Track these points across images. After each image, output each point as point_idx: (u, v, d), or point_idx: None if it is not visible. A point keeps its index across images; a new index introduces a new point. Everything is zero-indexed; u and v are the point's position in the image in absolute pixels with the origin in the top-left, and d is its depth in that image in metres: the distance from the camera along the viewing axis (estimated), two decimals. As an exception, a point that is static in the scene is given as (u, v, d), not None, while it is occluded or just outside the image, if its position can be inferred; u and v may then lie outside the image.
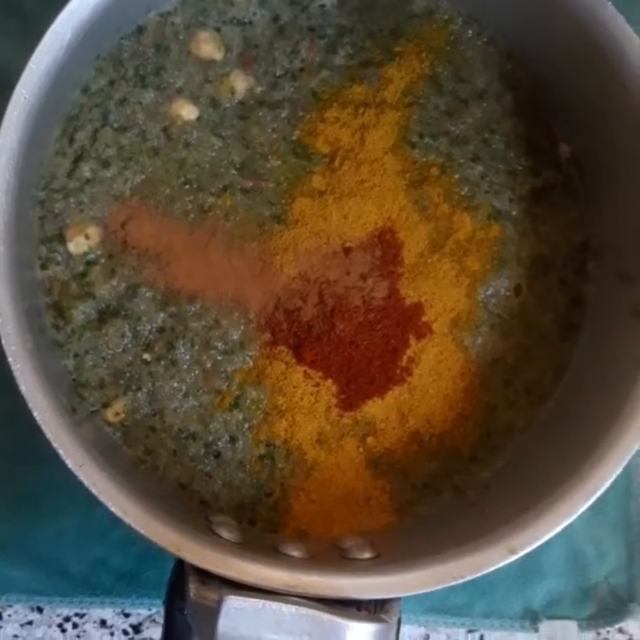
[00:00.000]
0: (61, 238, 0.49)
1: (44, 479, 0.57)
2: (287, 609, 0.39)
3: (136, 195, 0.50)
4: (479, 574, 0.43)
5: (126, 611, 0.59)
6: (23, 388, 0.41)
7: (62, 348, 0.49)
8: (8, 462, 0.57)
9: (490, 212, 0.53)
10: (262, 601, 0.39)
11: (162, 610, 0.58)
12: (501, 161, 0.54)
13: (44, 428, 0.41)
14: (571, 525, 0.44)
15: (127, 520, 0.41)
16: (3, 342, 0.41)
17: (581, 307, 0.54)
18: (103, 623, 0.59)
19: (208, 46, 0.50)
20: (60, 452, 0.41)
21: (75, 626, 0.59)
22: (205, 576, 0.41)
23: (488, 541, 0.44)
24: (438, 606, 0.60)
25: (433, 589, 0.43)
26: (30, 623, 0.59)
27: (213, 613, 0.39)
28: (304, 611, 0.39)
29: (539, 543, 0.44)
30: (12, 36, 0.56)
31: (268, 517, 0.51)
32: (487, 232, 0.53)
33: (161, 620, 0.58)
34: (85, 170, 0.49)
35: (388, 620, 0.41)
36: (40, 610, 0.59)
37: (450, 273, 0.53)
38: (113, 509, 0.41)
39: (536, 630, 0.61)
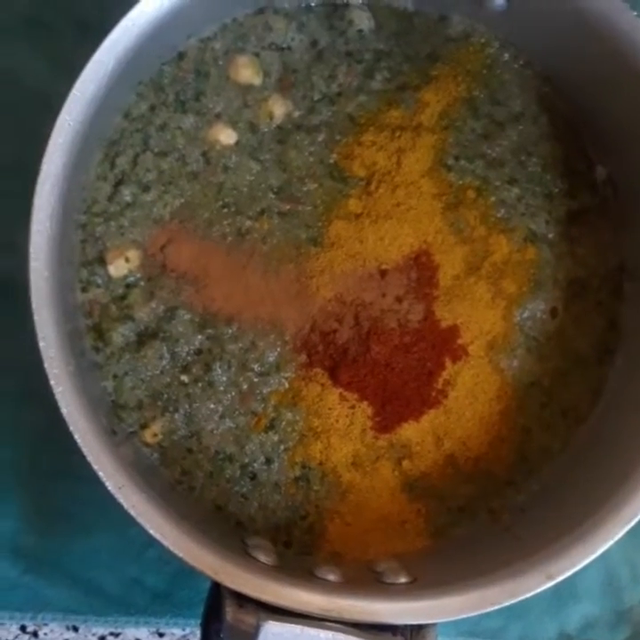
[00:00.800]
0: (102, 261, 0.50)
1: (80, 497, 0.57)
2: (325, 635, 0.39)
3: (175, 218, 0.51)
4: (516, 600, 0.43)
5: (161, 630, 0.59)
6: (65, 411, 0.42)
7: (102, 369, 0.49)
8: (44, 480, 0.58)
9: (526, 235, 0.53)
10: (300, 626, 0.39)
11: (196, 630, 0.58)
12: (538, 183, 0.54)
13: (84, 450, 0.42)
14: (606, 549, 0.44)
15: (165, 543, 0.42)
16: (46, 365, 0.42)
17: (617, 329, 0.54)
18: (137, 642, 0.60)
19: (247, 71, 0.51)
20: (100, 474, 0.42)
21: (110, 644, 0.59)
22: (242, 599, 0.42)
23: (525, 567, 0.44)
24: (471, 630, 0.60)
25: (469, 615, 0.43)
26: (66, 641, 0.59)
27: (251, 638, 0.39)
28: (342, 637, 0.39)
29: (576, 569, 0.44)
30: (50, 60, 0.57)
31: (303, 540, 0.51)
32: (523, 254, 0.53)
33: (195, 640, 0.58)
34: (126, 194, 0.50)
35: (424, 647, 0.41)
36: (76, 629, 0.59)
37: (486, 295, 0.53)
38: (151, 532, 0.42)
39: (570, 654, 0.60)
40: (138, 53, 0.44)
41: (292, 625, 0.39)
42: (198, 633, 0.59)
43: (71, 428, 0.42)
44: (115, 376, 0.50)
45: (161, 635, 0.60)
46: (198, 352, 0.51)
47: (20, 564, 0.58)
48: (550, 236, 0.53)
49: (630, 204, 0.53)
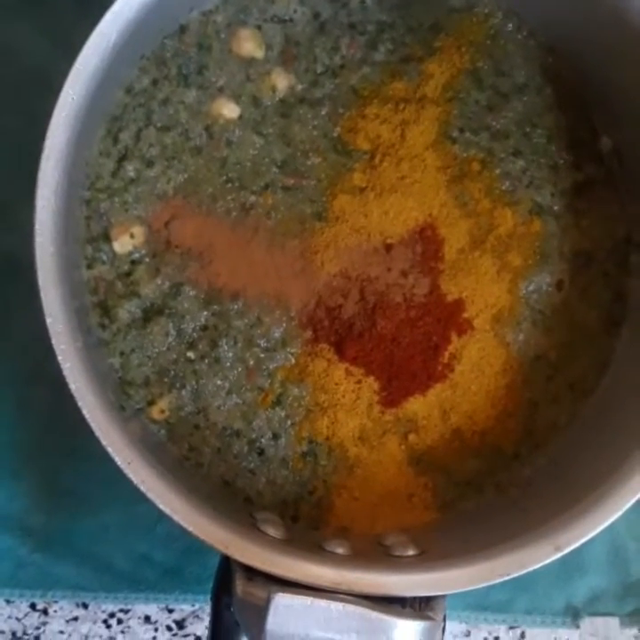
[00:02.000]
0: (107, 238, 0.49)
1: (88, 475, 0.57)
2: (335, 606, 0.39)
3: (179, 194, 0.50)
4: (524, 571, 0.43)
5: (170, 606, 0.60)
6: (73, 387, 0.42)
7: (108, 346, 0.49)
8: (52, 459, 0.58)
9: (531, 207, 0.53)
10: (310, 598, 0.39)
11: (205, 606, 0.59)
12: (543, 155, 0.53)
13: (93, 425, 0.42)
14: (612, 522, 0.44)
15: (176, 517, 0.42)
16: (53, 342, 0.41)
17: (624, 301, 0.53)
18: (147, 619, 0.60)
19: (249, 44, 0.50)
20: (109, 449, 0.42)
21: (119, 622, 0.60)
22: (252, 573, 0.42)
23: (533, 539, 0.44)
24: (479, 603, 0.60)
25: (478, 587, 0.43)
26: (75, 619, 0.60)
27: (262, 611, 0.39)
28: (352, 608, 0.39)
29: (584, 540, 0.44)
30: (50, 37, 0.57)
31: (310, 514, 0.51)
32: (528, 227, 0.53)
33: (204, 616, 0.59)
34: (129, 169, 0.49)
35: (434, 618, 0.41)
36: (85, 606, 0.60)
37: (491, 269, 0.52)
38: (161, 507, 0.42)
39: (577, 627, 0.61)
40: (140, 26, 0.44)
41: (303, 597, 0.39)
42: (207, 609, 0.59)
43: (80, 404, 0.42)
44: (121, 353, 0.50)
45: (170, 611, 0.60)
46: (204, 328, 0.50)
47: (30, 543, 0.58)
48: (556, 208, 0.53)
49: (636, 174, 0.53)
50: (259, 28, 0.51)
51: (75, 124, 0.43)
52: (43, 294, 0.42)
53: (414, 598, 0.43)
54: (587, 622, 0.61)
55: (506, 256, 0.52)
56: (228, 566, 0.43)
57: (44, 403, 0.57)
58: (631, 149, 0.53)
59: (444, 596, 0.43)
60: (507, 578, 0.43)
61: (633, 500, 0.44)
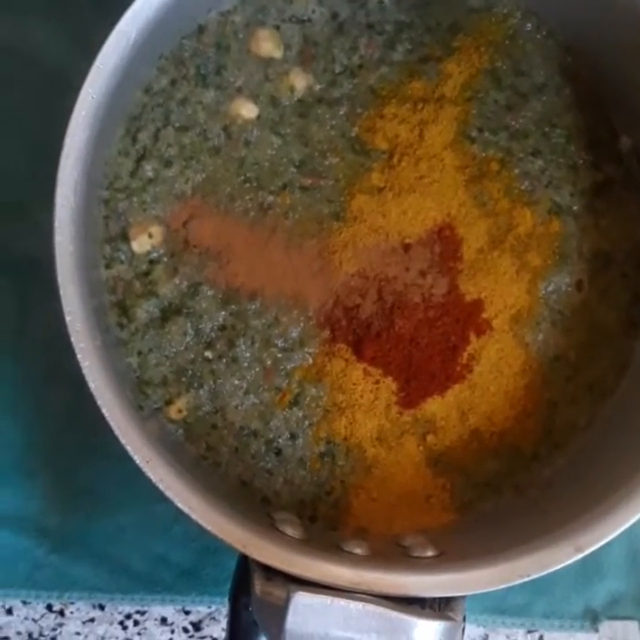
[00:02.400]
0: (125, 237, 0.49)
1: (105, 475, 0.57)
2: (355, 606, 0.39)
3: (197, 194, 0.50)
4: (545, 572, 0.43)
5: (187, 608, 0.60)
6: (92, 385, 0.42)
7: (126, 346, 0.49)
8: (69, 458, 0.58)
9: (550, 207, 0.53)
10: (330, 597, 0.39)
11: (222, 607, 0.59)
12: (562, 155, 0.53)
13: (112, 424, 0.41)
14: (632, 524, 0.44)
15: (194, 516, 0.42)
16: (72, 340, 0.42)
17: (644, 302, 0.53)
18: (164, 621, 0.60)
19: (268, 44, 0.50)
20: (128, 448, 0.42)
21: (136, 623, 0.60)
22: (270, 572, 0.42)
23: (553, 539, 0.43)
24: (497, 606, 0.60)
25: (498, 588, 0.42)
26: (92, 620, 0.60)
27: (281, 610, 0.39)
28: (372, 608, 0.39)
29: (605, 541, 0.43)
30: (68, 37, 0.57)
31: (328, 515, 0.51)
32: (548, 227, 0.53)
33: (221, 618, 0.58)
34: (148, 169, 0.50)
35: (454, 618, 0.41)
36: (102, 607, 0.59)
37: (510, 269, 0.52)
38: (180, 505, 0.42)
39: (596, 631, 0.60)
40: (159, 25, 0.44)
41: (322, 596, 0.38)
42: (224, 610, 0.59)
43: (99, 403, 0.42)
44: (139, 352, 0.49)
45: (187, 612, 0.60)
46: (222, 328, 0.50)
47: (46, 544, 0.58)
48: (575, 208, 0.53)
49: (656, 175, 0.53)
50: (277, 28, 0.51)
51: (94, 123, 0.43)
52: (62, 292, 0.42)
53: (434, 599, 0.42)
54: (606, 626, 0.60)
55: (525, 256, 0.52)
56: (246, 566, 0.43)
57: (61, 403, 0.57)
58: (651, 149, 0.53)
59: (463, 597, 0.43)
60: (527, 579, 0.43)
61: (655, 501, 0.44)
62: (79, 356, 0.41)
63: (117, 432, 0.42)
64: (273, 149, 0.51)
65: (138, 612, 0.60)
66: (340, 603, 0.39)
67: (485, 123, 0.53)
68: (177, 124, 0.50)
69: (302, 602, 0.38)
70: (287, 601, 0.38)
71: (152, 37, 0.45)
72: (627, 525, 0.44)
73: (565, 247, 0.53)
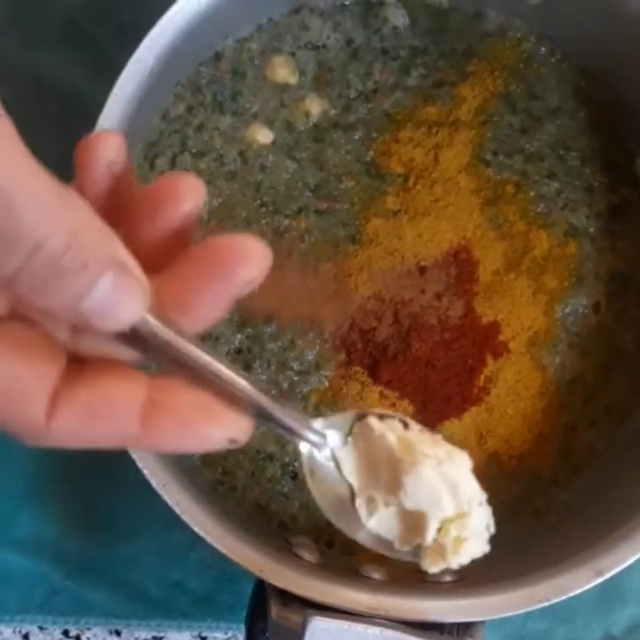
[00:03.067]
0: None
1: (122, 501, 0.57)
2: (372, 631, 0.38)
3: (214, 218, 0.51)
4: (565, 597, 0.42)
5: (203, 634, 0.59)
6: (108, 409, 0.42)
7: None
8: (86, 483, 0.58)
9: (566, 229, 0.53)
10: (347, 622, 0.38)
11: (239, 634, 0.58)
12: (577, 177, 0.53)
13: (129, 448, 0.41)
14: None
15: (210, 540, 0.41)
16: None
17: (662, 324, 0.53)
18: (180, 646, 0.59)
19: (283, 71, 0.51)
20: (145, 472, 0.42)
21: (152, 649, 0.59)
22: (287, 597, 0.41)
23: (573, 564, 0.43)
24: (517, 632, 0.59)
25: (518, 612, 0.42)
26: (108, 646, 0.59)
27: (297, 635, 0.38)
28: (390, 633, 0.38)
29: (626, 564, 0.43)
30: (84, 63, 0.58)
31: (345, 540, 0.50)
32: (564, 249, 0.52)
33: (237, 644, 0.58)
34: (164, 195, 0.50)
35: (473, 644, 0.40)
36: (118, 633, 0.59)
37: (526, 291, 0.52)
38: (196, 529, 0.41)
39: (617, 658, 0.59)
40: (176, 53, 0.44)
41: (340, 621, 0.38)
42: (241, 637, 0.59)
43: (115, 426, 0.42)
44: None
45: (203, 639, 0.59)
46: (238, 351, 0.50)
47: (62, 569, 0.58)
48: (591, 230, 0.53)
49: (672, 196, 0.53)
50: (292, 54, 0.52)
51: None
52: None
53: (453, 625, 0.42)
54: (626, 653, 0.59)
55: (541, 278, 0.52)
56: (262, 591, 0.43)
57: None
58: (666, 171, 0.53)
59: (483, 623, 0.42)
60: (547, 604, 0.42)
61: (676, 524, 0.43)
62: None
63: (134, 456, 0.42)
64: (288, 174, 0.52)
65: (154, 638, 0.59)
66: (358, 628, 0.38)
67: (500, 146, 0.53)
68: (194, 150, 0.51)
69: (319, 626, 0.38)
70: (304, 626, 0.38)
71: (169, 64, 0.45)
72: (647, 549, 0.43)
73: (582, 269, 0.53)
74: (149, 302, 0.25)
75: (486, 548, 0.35)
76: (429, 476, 0.32)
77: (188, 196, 0.27)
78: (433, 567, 0.34)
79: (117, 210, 0.27)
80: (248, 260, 0.27)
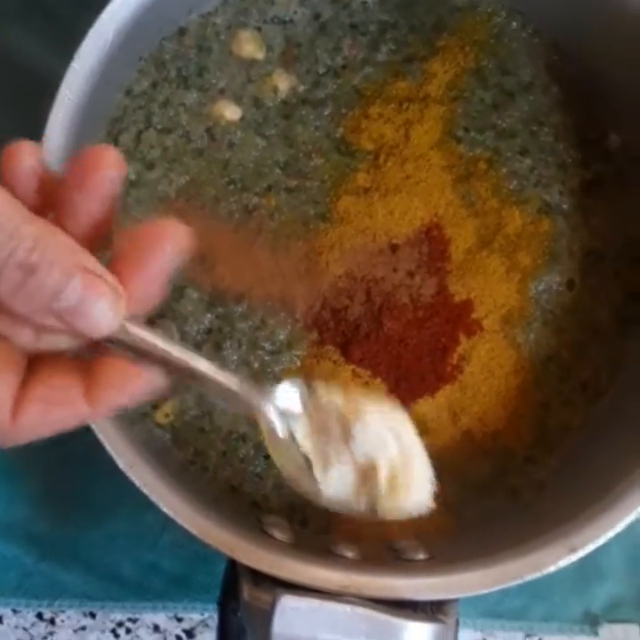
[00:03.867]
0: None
1: (95, 483, 0.56)
2: (343, 609, 0.38)
3: (181, 196, 0.50)
4: (538, 574, 0.42)
5: (179, 615, 0.59)
6: (73, 389, 0.41)
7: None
8: (59, 465, 0.57)
9: (540, 206, 0.52)
10: (318, 600, 0.38)
11: (214, 614, 0.58)
12: (550, 154, 0.53)
13: (94, 428, 0.41)
14: (630, 525, 0.43)
15: (179, 520, 0.41)
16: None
17: (636, 300, 0.52)
18: (156, 628, 0.59)
19: (250, 46, 0.50)
20: (112, 452, 0.41)
21: (128, 631, 0.59)
22: (258, 577, 0.41)
23: (547, 541, 0.43)
24: (494, 610, 0.59)
25: (492, 590, 0.42)
26: (83, 628, 0.59)
27: (268, 614, 0.38)
28: (360, 610, 0.38)
29: (600, 541, 0.43)
30: (49, 41, 0.57)
31: (319, 519, 0.50)
32: (537, 226, 0.52)
33: (214, 625, 0.57)
34: (130, 172, 0.49)
35: (445, 621, 0.40)
36: (93, 615, 0.59)
37: (499, 269, 0.52)
38: (164, 509, 0.41)
39: (596, 634, 0.59)
40: (137, 26, 0.44)
41: (310, 599, 0.38)
42: (217, 617, 0.58)
43: (81, 407, 0.41)
44: (125, 357, 0.49)
45: (179, 619, 0.59)
46: (208, 331, 0.50)
47: (36, 551, 0.58)
48: (564, 206, 0.52)
49: (645, 171, 0.52)
50: (259, 29, 0.51)
51: (72, 126, 0.42)
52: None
53: (426, 602, 0.42)
54: (605, 630, 0.59)
55: (514, 256, 0.52)
56: (234, 571, 0.43)
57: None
58: (639, 146, 0.52)
59: (456, 600, 0.42)
60: (520, 581, 0.42)
61: (649, 501, 0.43)
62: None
63: (100, 436, 0.41)
64: (257, 151, 0.51)
65: (130, 619, 0.59)
66: (328, 606, 0.38)
67: (472, 122, 0.52)
68: (159, 127, 0.50)
69: (289, 605, 0.38)
70: (273, 604, 0.38)
71: (131, 39, 0.44)
72: (621, 526, 0.43)
73: (555, 246, 0.52)
74: (126, 309, 0.29)
75: (431, 504, 0.37)
76: (374, 423, 0.35)
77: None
78: (388, 515, 0.36)
79: (46, 205, 0.31)
80: (173, 234, 0.32)
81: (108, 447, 0.41)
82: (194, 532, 0.41)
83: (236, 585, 0.41)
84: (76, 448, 0.55)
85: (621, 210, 0.53)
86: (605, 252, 0.53)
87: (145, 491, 0.41)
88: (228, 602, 0.44)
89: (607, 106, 0.53)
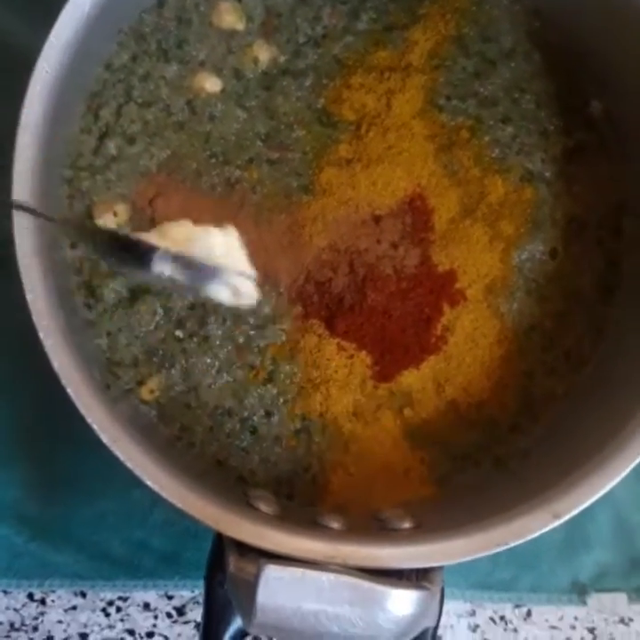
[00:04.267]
0: (90, 217, 0.49)
1: (83, 462, 0.57)
2: (327, 577, 0.38)
3: (162, 170, 0.50)
4: (523, 540, 0.42)
5: (169, 593, 0.59)
6: (56, 364, 0.41)
7: (95, 327, 0.49)
8: (46, 446, 0.57)
9: (522, 174, 0.52)
10: (301, 569, 0.38)
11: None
12: (532, 121, 0.52)
13: (77, 403, 0.41)
14: (616, 495, 0.43)
15: (164, 494, 0.41)
16: (34, 318, 0.41)
17: (618, 268, 0.53)
18: (147, 606, 0.59)
19: (229, 17, 0.50)
20: (94, 427, 0.41)
21: (118, 610, 0.59)
22: (244, 549, 0.41)
23: (531, 507, 0.43)
24: (483, 581, 0.59)
25: (475, 556, 0.42)
26: (74, 608, 0.59)
27: (252, 584, 0.38)
28: (344, 578, 0.38)
29: (583, 506, 0.43)
30: (36, 19, 0.56)
31: (306, 492, 0.50)
32: (520, 195, 0.52)
33: (204, 601, 0.58)
34: (111, 147, 0.49)
35: (429, 588, 0.40)
36: (83, 594, 0.59)
37: (483, 238, 0.51)
38: (149, 483, 0.41)
39: (584, 603, 0.60)
40: (115, -2, 0.43)
41: (293, 568, 0.38)
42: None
43: (63, 382, 0.41)
44: (108, 333, 0.49)
45: (170, 597, 0.59)
46: (192, 306, 0.50)
47: (26, 532, 0.58)
48: (547, 174, 0.52)
49: (628, 138, 0.52)
50: (238, 0, 0.50)
51: (50, 99, 0.42)
52: (22, 271, 0.41)
53: (411, 571, 0.42)
54: (594, 599, 0.60)
55: (497, 225, 0.52)
56: (220, 544, 0.43)
57: (37, 390, 0.56)
58: (621, 112, 0.52)
59: (441, 568, 0.43)
60: (504, 547, 0.42)
61: (630, 467, 0.43)
62: (41, 335, 0.41)
63: (83, 411, 0.41)
64: (238, 123, 0.51)
65: (120, 598, 0.59)
66: (312, 575, 0.38)
67: (453, 90, 0.52)
68: (139, 100, 0.50)
69: (273, 575, 0.38)
70: (257, 575, 0.38)
71: (109, 11, 0.44)
72: (602, 491, 0.43)
73: (538, 214, 0.52)
74: None
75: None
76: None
77: None
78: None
79: None
80: None
81: (91, 422, 0.41)
82: (179, 505, 0.41)
83: (222, 558, 0.42)
84: (65, 429, 0.55)
85: (603, 177, 0.53)
86: (588, 219, 0.53)
87: (129, 465, 0.41)
88: (214, 575, 0.44)
89: (589, 73, 0.53)
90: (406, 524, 0.45)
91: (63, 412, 0.54)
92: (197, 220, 0.50)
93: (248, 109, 0.51)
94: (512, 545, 0.42)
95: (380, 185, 0.51)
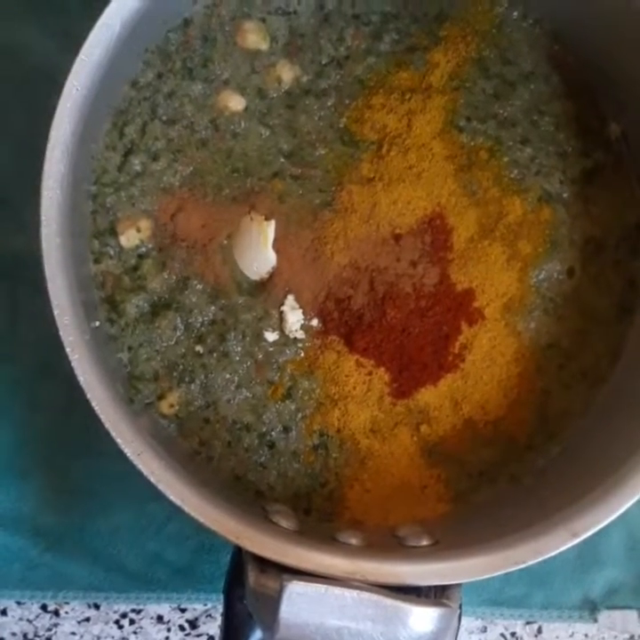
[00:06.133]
0: (113, 232, 0.49)
1: (99, 474, 0.57)
2: (350, 594, 0.39)
3: (185, 186, 0.50)
4: (541, 559, 0.43)
5: (182, 606, 0.59)
6: (81, 379, 0.41)
7: (117, 341, 0.49)
8: (63, 457, 0.57)
9: (540, 195, 0.52)
10: (324, 586, 0.38)
11: (218, 605, 0.58)
12: (551, 143, 0.53)
13: (102, 417, 0.41)
14: (629, 512, 0.43)
15: (186, 508, 0.41)
16: (61, 333, 0.41)
17: (636, 288, 0.53)
18: (160, 619, 0.59)
19: (254, 37, 0.50)
20: (119, 440, 0.41)
21: (131, 622, 0.59)
22: (264, 564, 0.41)
23: (548, 526, 0.43)
24: (495, 598, 0.60)
25: (495, 574, 0.42)
26: (87, 620, 0.59)
27: (275, 600, 0.38)
28: (366, 595, 0.39)
29: (601, 526, 0.43)
30: (56, 35, 0.57)
31: (323, 507, 0.50)
32: (538, 215, 0.52)
33: (217, 615, 0.58)
34: (135, 163, 0.49)
35: (450, 605, 0.40)
36: (97, 606, 0.59)
37: (501, 257, 0.52)
38: (172, 498, 0.41)
39: (595, 620, 0.60)
40: (144, 18, 0.44)
41: (316, 585, 0.38)
42: (220, 608, 0.59)
43: (88, 396, 0.41)
44: (130, 348, 0.49)
45: (183, 610, 0.59)
46: (212, 322, 0.50)
47: (41, 543, 0.58)
48: (565, 195, 0.53)
49: (646, 160, 0.53)
50: (263, 20, 0.51)
51: (79, 116, 0.43)
52: (49, 286, 0.42)
53: (430, 588, 0.42)
54: (604, 616, 0.60)
55: (516, 244, 0.52)
56: (240, 559, 0.43)
57: (53, 402, 0.57)
58: (639, 135, 0.52)
59: (459, 585, 0.43)
60: (522, 566, 0.42)
61: (651, 486, 0.44)
62: (68, 350, 0.41)
63: (108, 425, 0.41)
64: (261, 140, 0.51)
65: (133, 610, 0.59)
66: (335, 591, 0.38)
67: (473, 112, 0.52)
68: (164, 118, 0.50)
69: (296, 591, 0.38)
70: (281, 591, 0.38)
71: (137, 30, 0.44)
72: (621, 510, 0.43)
73: (556, 235, 0.53)
74: None
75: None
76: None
77: None
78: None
79: None
80: None
81: (116, 436, 0.41)
82: (201, 520, 0.41)
83: (242, 573, 0.42)
84: (83, 441, 0.55)
85: (621, 198, 0.53)
86: (605, 240, 0.53)
87: (152, 479, 0.41)
88: (233, 589, 0.45)
89: (607, 95, 0.53)
90: (424, 542, 0.45)
91: (80, 423, 0.55)
92: (218, 236, 0.50)
93: (271, 127, 0.51)
94: (530, 563, 0.43)
95: (400, 204, 0.51)
